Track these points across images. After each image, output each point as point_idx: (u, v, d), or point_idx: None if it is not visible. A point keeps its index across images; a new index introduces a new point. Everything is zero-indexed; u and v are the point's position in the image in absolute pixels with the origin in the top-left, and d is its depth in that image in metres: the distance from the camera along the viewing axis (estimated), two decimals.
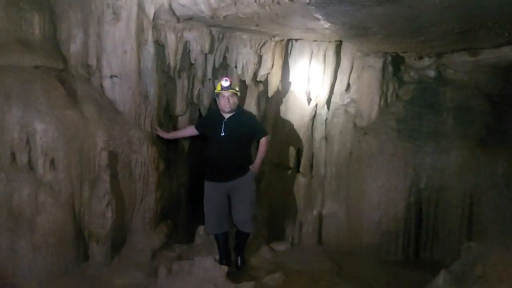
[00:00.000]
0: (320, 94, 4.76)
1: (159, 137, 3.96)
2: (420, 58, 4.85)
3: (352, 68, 4.75)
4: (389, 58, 4.76)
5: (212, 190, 3.67)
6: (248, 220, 3.68)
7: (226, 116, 3.64)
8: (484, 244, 2.66)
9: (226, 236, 3.77)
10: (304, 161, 4.94)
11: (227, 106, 3.60)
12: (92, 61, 3.69)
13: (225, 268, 3.25)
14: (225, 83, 3.58)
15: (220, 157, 3.60)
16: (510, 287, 2.22)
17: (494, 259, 2.40)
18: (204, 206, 3.71)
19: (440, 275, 2.58)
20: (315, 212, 4.76)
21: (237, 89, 3.73)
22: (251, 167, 3.69)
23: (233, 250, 3.81)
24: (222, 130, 3.59)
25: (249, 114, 3.90)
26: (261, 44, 4.40)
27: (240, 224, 3.70)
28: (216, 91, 3.68)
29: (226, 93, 3.58)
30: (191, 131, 4.04)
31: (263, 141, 3.74)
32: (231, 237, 3.84)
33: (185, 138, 4.41)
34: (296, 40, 4.64)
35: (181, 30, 3.91)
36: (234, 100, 3.62)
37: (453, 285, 2.49)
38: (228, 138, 3.58)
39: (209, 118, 3.93)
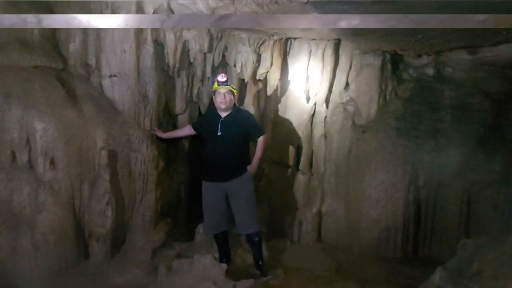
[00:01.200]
0: (319, 93, 4.77)
1: (158, 136, 3.98)
2: (419, 56, 4.86)
3: (350, 67, 4.76)
4: (388, 56, 4.76)
5: (209, 190, 3.64)
6: (249, 222, 3.60)
7: (223, 115, 3.62)
8: (480, 241, 2.67)
9: (225, 235, 3.77)
10: (303, 159, 4.95)
11: (223, 102, 3.57)
12: (91, 61, 3.71)
13: (225, 266, 3.25)
14: (221, 78, 3.56)
15: (217, 156, 3.56)
16: (505, 284, 2.22)
17: (490, 256, 2.41)
18: (202, 206, 3.71)
19: (436, 272, 2.60)
20: (314, 210, 4.78)
21: (233, 86, 3.72)
22: (248, 167, 3.63)
23: (254, 261, 3.72)
24: (219, 130, 3.57)
25: (246, 113, 3.88)
26: (260, 43, 4.40)
27: (242, 227, 3.63)
28: (212, 89, 3.68)
29: (223, 90, 3.56)
30: (188, 130, 4.04)
31: (260, 140, 3.68)
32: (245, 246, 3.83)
33: (185, 137, 4.41)
34: (295, 38, 4.64)
35: (180, 29, 3.91)
36: (230, 97, 3.60)
37: (449, 282, 2.50)
38: (224, 138, 3.55)
39: (206, 118, 3.94)
